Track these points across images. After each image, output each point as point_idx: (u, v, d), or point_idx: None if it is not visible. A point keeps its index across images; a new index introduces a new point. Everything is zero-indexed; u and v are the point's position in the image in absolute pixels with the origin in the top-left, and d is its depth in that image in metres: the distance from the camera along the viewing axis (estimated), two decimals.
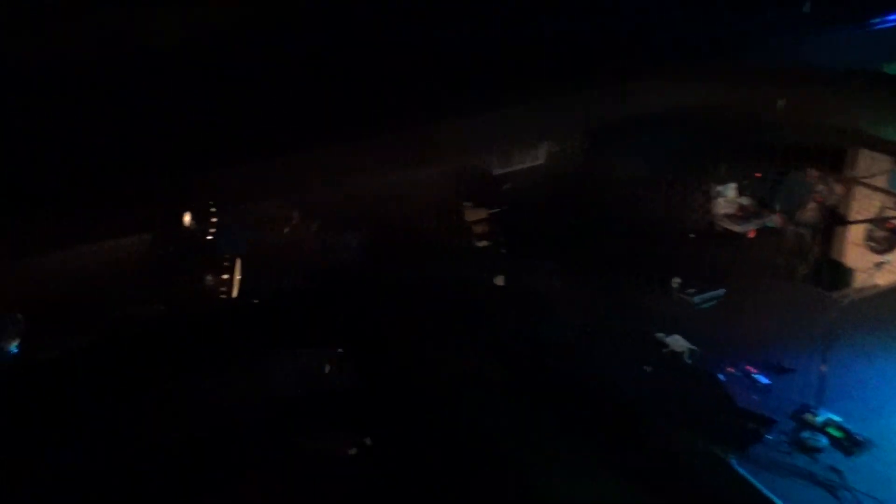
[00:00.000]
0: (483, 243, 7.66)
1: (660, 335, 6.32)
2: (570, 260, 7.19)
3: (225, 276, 6.45)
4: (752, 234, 7.80)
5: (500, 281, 7.14)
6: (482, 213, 7.77)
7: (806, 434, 5.33)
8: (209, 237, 6.33)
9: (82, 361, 5.67)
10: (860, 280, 7.38)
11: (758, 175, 7.84)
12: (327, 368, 6.18)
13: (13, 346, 5.49)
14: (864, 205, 7.49)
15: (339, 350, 6.24)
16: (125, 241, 6.29)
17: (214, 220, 6.32)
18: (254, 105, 4.78)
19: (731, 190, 8.03)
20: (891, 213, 7.18)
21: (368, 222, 7.03)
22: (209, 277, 6.48)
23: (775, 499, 4.62)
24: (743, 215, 7.96)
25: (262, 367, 6.08)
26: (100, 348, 5.84)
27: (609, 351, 6.12)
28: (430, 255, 7.08)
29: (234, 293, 6.47)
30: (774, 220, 7.85)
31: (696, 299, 7.15)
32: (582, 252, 7.25)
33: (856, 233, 7.56)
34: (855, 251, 7.58)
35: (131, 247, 6.37)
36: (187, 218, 6.23)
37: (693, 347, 6.13)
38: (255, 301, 6.64)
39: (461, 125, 5.75)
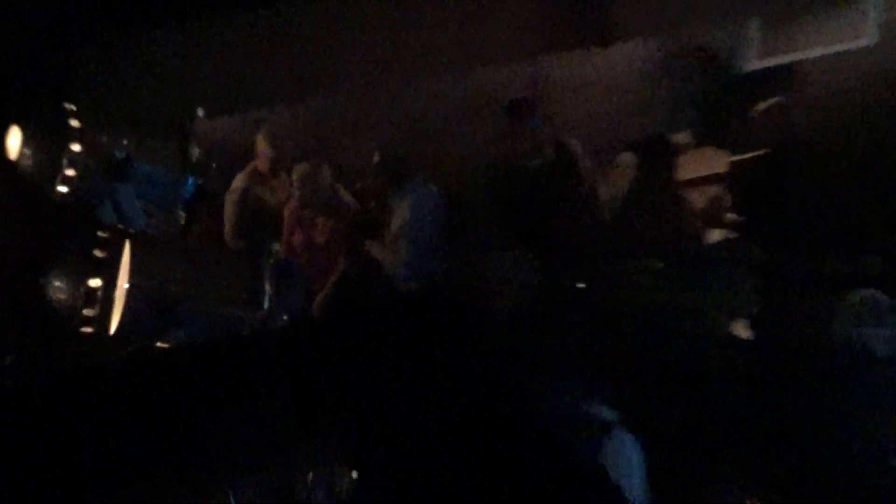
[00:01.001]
0: (715, 235, 3.72)
1: None
2: None
3: (93, 284, 3.28)
4: None
5: (743, 330, 3.52)
6: (717, 162, 3.72)
7: None
8: (62, 188, 3.42)
9: None
10: None
11: None
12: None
13: None
14: None
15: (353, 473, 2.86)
16: None
17: (77, 147, 3.46)
18: None
19: None
20: None
21: (439, 177, 4.34)
22: (56, 283, 3.37)
23: None
24: None
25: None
26: None
27: None
28: (587, 256, 3.73)
29: (113, 327, 3.27)
30: None
31: None
32: None
33: None
34: None
35: None
36: (12, 139, 3.37)
37: None
38: (165, 346, 3.47)
39: None
